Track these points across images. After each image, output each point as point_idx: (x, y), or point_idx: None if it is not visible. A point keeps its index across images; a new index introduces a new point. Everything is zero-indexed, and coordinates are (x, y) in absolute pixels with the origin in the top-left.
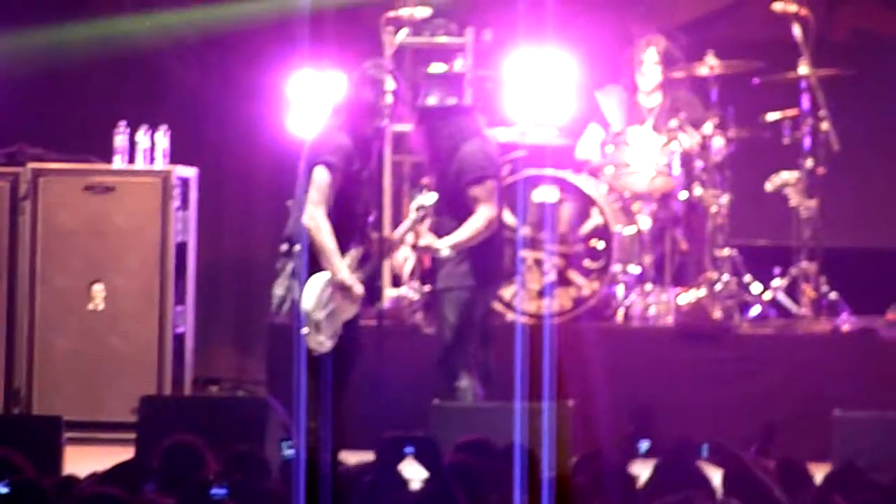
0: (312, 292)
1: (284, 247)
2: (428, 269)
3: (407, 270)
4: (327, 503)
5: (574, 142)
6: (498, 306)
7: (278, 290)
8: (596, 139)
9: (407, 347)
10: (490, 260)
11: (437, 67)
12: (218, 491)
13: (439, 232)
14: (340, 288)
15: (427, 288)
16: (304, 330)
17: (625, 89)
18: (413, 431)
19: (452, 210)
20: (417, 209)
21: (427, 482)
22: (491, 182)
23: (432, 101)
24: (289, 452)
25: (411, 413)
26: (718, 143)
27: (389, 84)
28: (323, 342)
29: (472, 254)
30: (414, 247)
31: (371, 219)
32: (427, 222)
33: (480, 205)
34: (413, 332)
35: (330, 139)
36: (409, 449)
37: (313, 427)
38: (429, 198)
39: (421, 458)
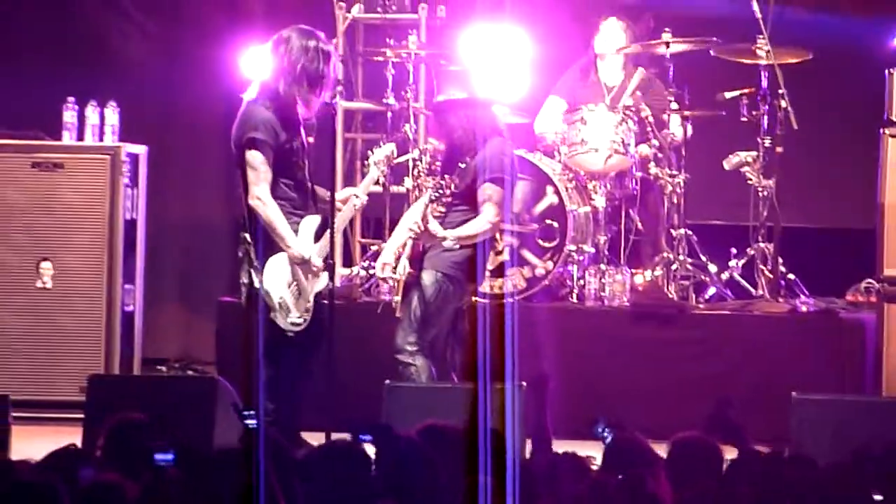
0: (273, 274)
1: (242, 235)
2: (418, 254)
3: (389, 272)
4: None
5: (530, 120)
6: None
7: (244, 277)
8: (555, 112)
9: (359, 326)
10: (476, 259)
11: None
12: (163, 457)
13: (446, 221)
14: (299, 263)
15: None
16: (272, 313)
17: (581, 71)
18: (365, 414)
19: (466, 203)
20: (376, 164)
21: (383, 466)
22: (504, 188)
23: (441, 96)
24: (251, 423)
25: (364, 394)
26: (675, 121)
27: (309, 52)
28: (295, 320)
29: (467, 249)
30: (419, 231)
31: (320, 189)
32: (420, 202)
33: (489, 205)
34: (364, 311)
35: (249, 117)
36: (365, 437)
37: (270, 408)
38: (382, 151)
39: (378, 443)
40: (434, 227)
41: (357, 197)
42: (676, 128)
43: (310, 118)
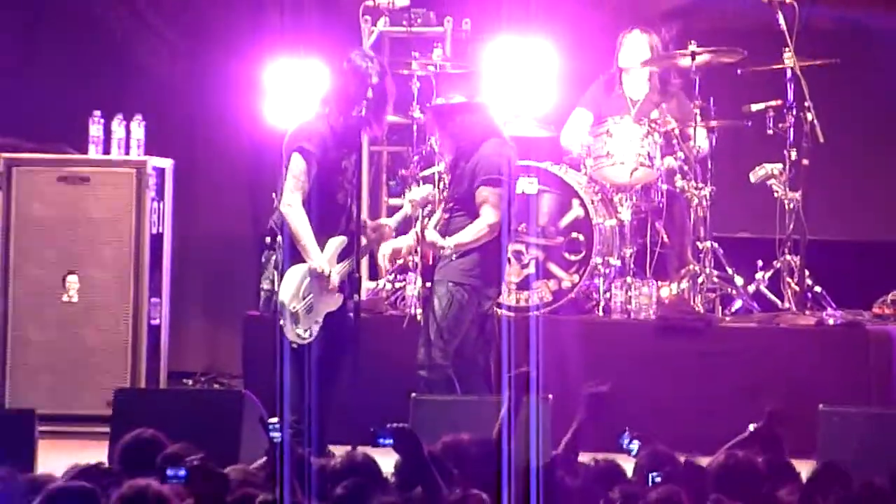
0: (290, 283)
1: (268, 239)
2: (430, 265)
3: (386, 263)
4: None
5: (556, 133)
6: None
7: (265, 283)
8: (581, 125)
9: (385, 340)
10: (490, 262)
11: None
12: (174, 472)
13: (448, 228)
14: (317, 277)
15: (416, 282)
16: (282, 321)
17: (606, 84)
18: (392, 424)
19: (465, 208)
20: (411, 202)
21: (407, 472)
22: (501, 187)
23: (440, 99)
24: (276, 436)
25: (390, 406)
26: (701, 133)
27: (374, 74)
28: (301, 334)
29: (470, 254)
30: (417, 240)
31: (355, 210)
32: (436, 217)
33: (486, 207)
34: (390, 324)
35: (306, 127)
36: (387, 440)
37: (294, 420)
38: (420, 191)
39: (401, 449)
40: (432, 236)
41: (389, 228)
42: (702, 140)
43: (379, 137)
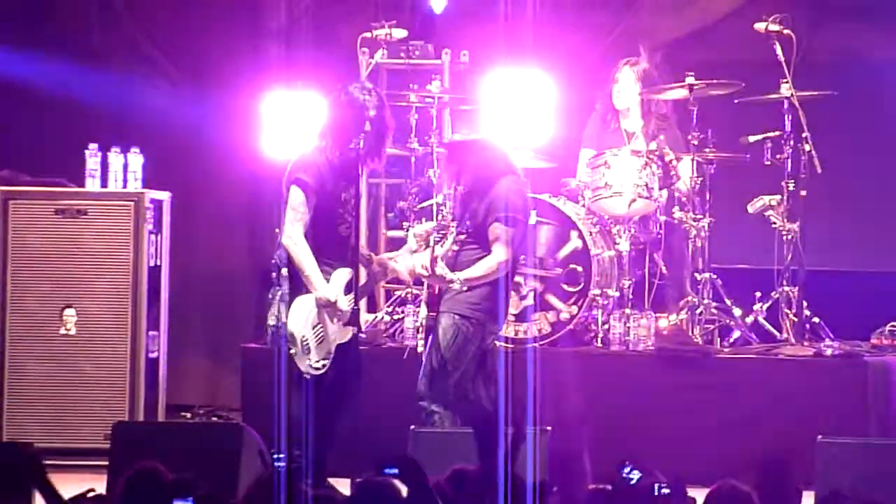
0: (299, 313)
1: (273, 274)
2: (435, 295)
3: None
4: None
5: (554, 164)
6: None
7: (271, 319)
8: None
9: (384, 372)
10: (496, 298)
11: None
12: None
13: (457, 260)
14: (325, 307)
15: (415, 313)
16: (293, 350)
17: (602, 120)
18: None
19: (477, 242)
20: (416, 236)
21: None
22: (515, 227)
23: (457, 136)
24: (280, 465)
25: (389, 439)
26: (686, 165)
27: (372, 107)
28: (314, 364)
29: (483, 288)
30: (428, 274)
31: (359, 243)
32: (445, 246)
33: (498, 244)
34: (389, 356)
35: (304, 159)
36: (391, 469)
37: (296, 454)
38: (424, 226)
39: (406, 479)
40: (441, 269)
41: (394, 261)
42: (685, 173)
43: (377, 170)
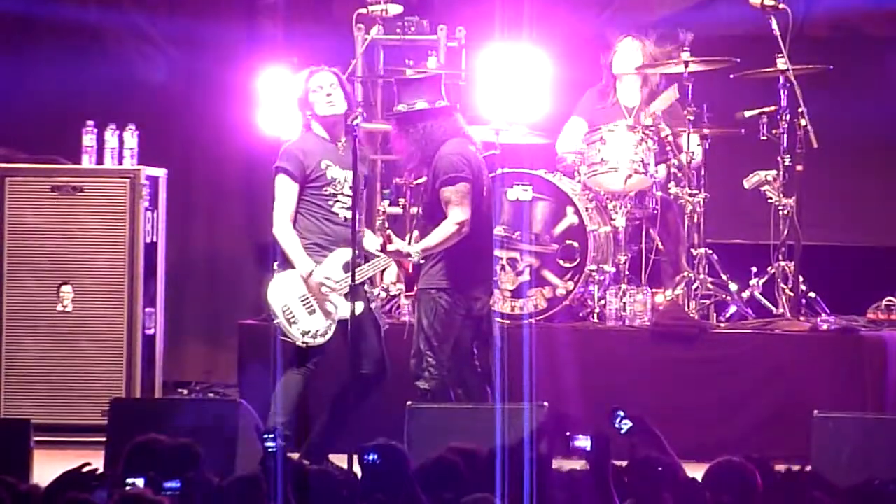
0: (279, 285)
1: (276, 265)
2: (411, 275)
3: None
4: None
5: (550, 140)
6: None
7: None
8: (577, 133)
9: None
10: (467, 262)
11: (409, 71)
12: (170, 485)
13: (422, 236)
14: (314, 283)
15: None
16: (277, 321)
17: (601, 92)
18: (388, 437)
19: (434, 216)
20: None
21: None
22: (464, 184)
23: (402, 107)
24: (271, 445)
25: (387, 415)
26: (694, 140)
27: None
28: (305, 331)
29: (448, 256)
30: (383, 251)
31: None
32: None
33: (451, 207)
34: (387, 333)
35: (285, 146)
36: (373, 457)
37: (289, 430)
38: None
39: (388, 465)
40: (396, 245)
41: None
42: (695, 147)
43: (370, 149)
